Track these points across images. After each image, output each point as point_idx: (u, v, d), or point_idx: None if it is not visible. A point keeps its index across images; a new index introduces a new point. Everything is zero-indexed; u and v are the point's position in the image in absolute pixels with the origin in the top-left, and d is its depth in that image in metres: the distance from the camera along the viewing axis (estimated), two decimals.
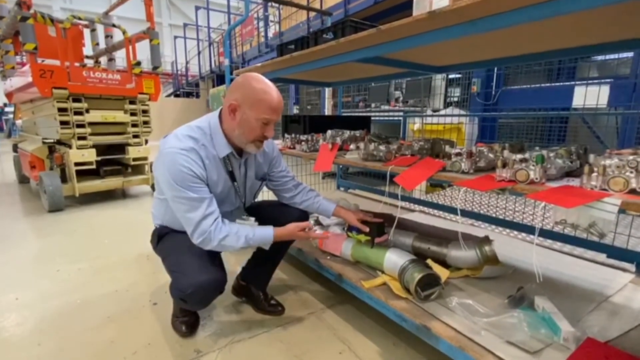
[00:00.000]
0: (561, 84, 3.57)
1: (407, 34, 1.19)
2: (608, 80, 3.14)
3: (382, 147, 1.39)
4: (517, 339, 0.99)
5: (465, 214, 2.22)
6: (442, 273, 1.30)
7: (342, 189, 3.22)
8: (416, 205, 2.65)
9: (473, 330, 1.05)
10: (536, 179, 0.86)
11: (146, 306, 1.61)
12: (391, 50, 1.30)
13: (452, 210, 2.35)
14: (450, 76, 4.67)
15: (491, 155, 1.13)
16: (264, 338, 1.37)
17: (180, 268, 1.21)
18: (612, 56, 3.63)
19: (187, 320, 1.40)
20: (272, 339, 1.36)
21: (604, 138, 3.37)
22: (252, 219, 1.37)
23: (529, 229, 1.92)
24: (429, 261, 1.35)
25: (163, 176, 1.15)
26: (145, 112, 3.56)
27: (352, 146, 1.47)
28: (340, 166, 3.49)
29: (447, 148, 1.16)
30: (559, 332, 0.97)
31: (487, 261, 1.39)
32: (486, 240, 1.42)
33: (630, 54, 3.32)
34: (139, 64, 3.50)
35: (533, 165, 0.88)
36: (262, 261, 1.53)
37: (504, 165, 0.93)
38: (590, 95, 3.06)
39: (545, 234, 1.84)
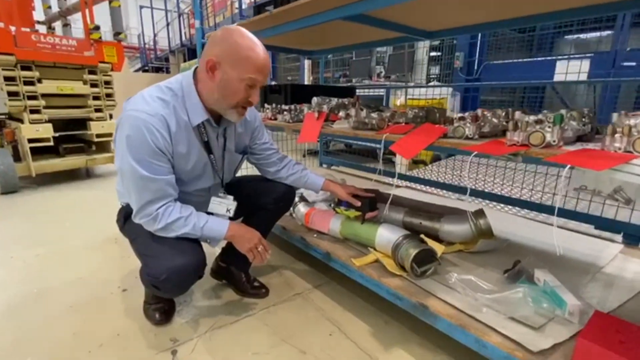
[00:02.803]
0: (543, 58, 3.56)
1: None
2: (589, 55, 3.15)
3: (374, 115, 1.27)
4: (520, 315, 0.93)
5: (454, 189, 2.18)
6: (437, 248, 1.24)
7: (325, 165, 3.11)
8: (401, 181, 2.58)
9: (474, 307, 0.99)
10: (553, 141, 0.78)
11: (115, 293, 1.46)
12: (380, 4, 1.16)
13: (440, 185, 2.30)
14: (432, 53, 4.59)
15: (495, 120, 1.04)
16: (248, 322, 1.27)
17: (152, 250, 1.06)
18: (591, 35, 3.67)
19: (161, 307, 1.27)
20: (256, 323, 1.27)
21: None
22: (231, 197, 1.23)
23: (517, 203, 1.89)
24: (423, 236, 1.27)
25: (120, 142, 0.98)
26: (107, 83, 3.23)
27: (341, 114, 1.34)
28: (323, 142, 3.36)
29: (448, 112, 1.05)
30: (565, 306, 0.92)
31: (482, 235, 1.33)
32: (480, 213, 1.36)
33: (609, 32, 3.36)
34: (97, 28, 3.14)
35: (549, 127, 0.79)
36: None
37: (516, 128, 0.84)
38: (572, 70, 3.07)
39: (528, 205, 1.82)
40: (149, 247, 1.06)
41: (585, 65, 3.02)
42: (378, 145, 1.15)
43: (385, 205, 1.46)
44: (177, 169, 1.07)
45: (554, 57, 3.49)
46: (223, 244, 1.38)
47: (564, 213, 1.66)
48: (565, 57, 3.38)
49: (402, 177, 2.56)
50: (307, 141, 1.37)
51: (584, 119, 0.92)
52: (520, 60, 3.83)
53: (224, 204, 1.21)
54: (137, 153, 0.96)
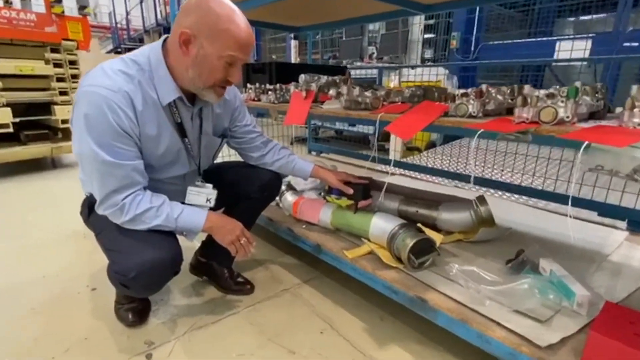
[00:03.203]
0: (543, 39, 3.55)
1: None
2: (590, 35, 3.15)
3: (367, 93, 1.21)
4: (526, 307, 0.91)
5: (451, 175, 2.15)
6: (436, 238, 1.21)
7: (314, 153, 3.05)
8: (395, 169, 2.55)
9: (476, 300, 0.96)
10: (567, 117, 0.73)
11: (82, 292, 1.39)
12: None
13: (437, 172, 2.27)
14: (426, 35, 4.54)
15: (500, 97, 0.99)
16: (231, 321, 1.23)
17: (120, 245, 1.00)
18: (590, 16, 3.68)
19: (134, 307, 1.20)
20: (240, 322, 1.22)
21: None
22: (210, 185, 1.16)
23: (518, 190, 1.88)
24: (420, 225, 1.24)
25: (77, 122, 0.89)
26: (73, 63, 3.07)
27: (331, 92, 1.28)
28: (312, 128, 3.30)
29: (450, 89, 1.00)
30: (573, 297, 0.90)
31: (482, 223, 1.31)
32: (481, 200, 1.33)
33: (609, 14, 3.37)
34: (59, 0, 2.96)
35: (562, 102, 0.75)
36: None
37: (525, 104, 0.79)
38: (572, 51, 3.07)
39: (531, 192, 1.81)
40: (116, 241, 0.99)
41: (587, 46, 3.02)
42: (370, 132, 1.10)
43: (379, 193, 1.42)
44: (147, 153, 1.00)
45: (554, 38, 3.48)
46: (203, 236, 1.31)
47: (567, 199, 1.65)
48: (566, 37, 3.38)
49: (396, 164, 2.53)
50: (294, 123, 1.30)
51: (597, 95, 0.89)
52: (518, 40, 3.82)
53: (203, 194, 1.14)
54: (97, 135, 0.88)
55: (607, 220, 1.56)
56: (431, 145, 3.70)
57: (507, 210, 1.65)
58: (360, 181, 1.35)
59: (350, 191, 1.31)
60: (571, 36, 3.40)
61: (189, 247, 1.30)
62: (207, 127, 1.15)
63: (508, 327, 0.87)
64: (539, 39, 3.62)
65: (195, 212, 1.04)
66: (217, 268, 1.38)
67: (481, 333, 0.88)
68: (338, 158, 2.83)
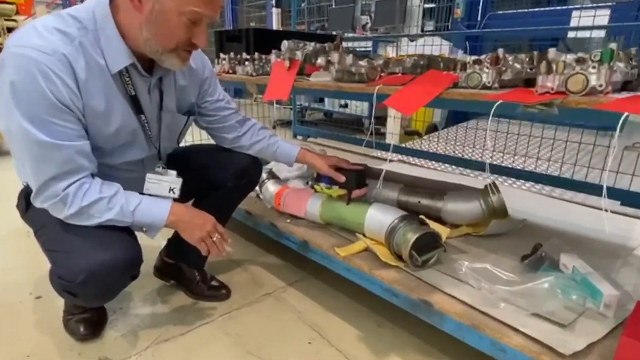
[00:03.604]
0: (557, 7, 3.57)
1: None
2: (608, 3, 3.16)
3: (362, 63, 1.16)
4: (546, 310, 0.89)
5: (457, 161, 2.14)
6: (441, 231, 1.19)
7: (300, 137, 3.01)
8: (392, 155, 2.52)
9: (489, 302, 0.94)
10: (600, 86, 0.69)
11: (25, 301, 1.33)
12: None
13: (441, 158, 2.26)
14: (426, 5, 4.51)
15: (517, 66, 0.95)
16: (204, 332, 1.20)
17: (64, 244, 0.93)
18: None
19: (87, 318, 1.15)
20: (214, 332, 1.20)
21: None
22: (173, 172, 1.09)
23: (532, 177, 1.89)
24: (423, 217, 1.22)
25: (1, 92, 0.81)
26: (12, 30, 2.92)
27: (320, 61, 1.22)
28: (297, 109, 3.23)
29: (460, 56, 0.96)
30: (600, 297, 0.89)
31: (494, 214, 1.29)
32: (492, 188, 1.31)
33: None
34: None
35: (594, 68, 0.70)
36: None
37: (550, 71, 0.75)
38: (589, 21, 3.09)
39: (544, 179, 1.81)
40: (60, 240, 0.93)
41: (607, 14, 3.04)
42: (364, 114, 1.05)
43: (376, 181, 1.39)
44: (94, 132, 0.92)
45: (569, 7, 3.49)
46: (168, 233, 1.27)
47: (589, 188, 1.66)
48: (582, 7, 3.39)
49: (395, 149, 2.51)
50: (276, 98, 1.25)
51: (631, 61, 0.85)
52: (530, 10, 3.83)
53: (165, 182, 1.08)
54: (28, 108, 0.80)
55: (630, 210, 1.57)
56: (433, 128, 3.70)
57: (520, 200, 1.65)
58: (354, 167, 1.32)
59: (343, 179, 1.27)
60: (588, 5, 3.42)
61: (153, 245, 1.25)
62: (169, 102, 1.08)
63: (526, 332, 0.85)
64: (552, 8, 3.65)
65: (156, 204, 0.98)
66: (186, 270, 1.34)
67: (495, 340, 0.86)
68: (328, 143, 2.81)
